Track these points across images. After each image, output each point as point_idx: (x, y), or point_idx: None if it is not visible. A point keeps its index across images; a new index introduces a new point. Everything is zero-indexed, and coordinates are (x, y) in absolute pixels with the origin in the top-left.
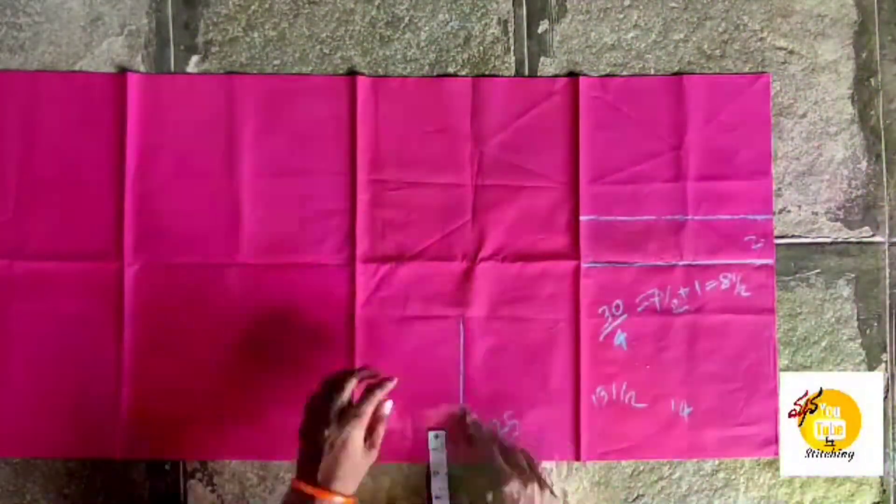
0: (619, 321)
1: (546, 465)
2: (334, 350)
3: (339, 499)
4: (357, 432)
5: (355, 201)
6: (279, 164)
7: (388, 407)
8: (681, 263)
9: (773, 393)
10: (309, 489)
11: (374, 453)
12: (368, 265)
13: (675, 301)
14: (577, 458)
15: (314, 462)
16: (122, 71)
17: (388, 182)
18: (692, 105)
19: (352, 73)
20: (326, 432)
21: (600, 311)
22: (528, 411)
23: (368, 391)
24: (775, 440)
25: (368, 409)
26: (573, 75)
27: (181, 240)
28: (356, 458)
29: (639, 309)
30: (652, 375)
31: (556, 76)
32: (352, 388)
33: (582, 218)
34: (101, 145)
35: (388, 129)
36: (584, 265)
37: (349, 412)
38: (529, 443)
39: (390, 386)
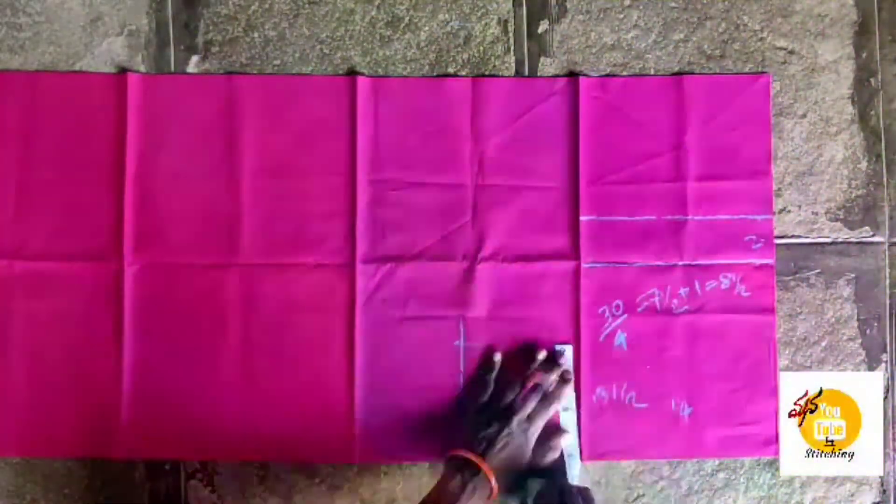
0: (619, 321)
1: None
2: (334, 350)
3: (494, 482)
4: (532, 443)
5: (355, 201)
6: (279, 164)
7: (570, 441)
8: (681, 263)
9: (774, 393)
10: (479, 461)
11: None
12: (368, 265)
13: (675, 301)
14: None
15: (486, 445)
16: (122, 71)
17: (388, 182)
18: (692, 105)
19: (352, 73)
20: (506, 431)
21: (600, 311)
22: None
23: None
24: (776, 440)
25: (541, 424)
26: (573, 75)
27: (181, 240)
28: (520, 463)
29: (639, 309)
30: (652, 375)
31: (556, 76)
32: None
33: (582, 218)
34: (101, 145)
35: (388, 129)
36: (584, 265)
37: (534, 425)
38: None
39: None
